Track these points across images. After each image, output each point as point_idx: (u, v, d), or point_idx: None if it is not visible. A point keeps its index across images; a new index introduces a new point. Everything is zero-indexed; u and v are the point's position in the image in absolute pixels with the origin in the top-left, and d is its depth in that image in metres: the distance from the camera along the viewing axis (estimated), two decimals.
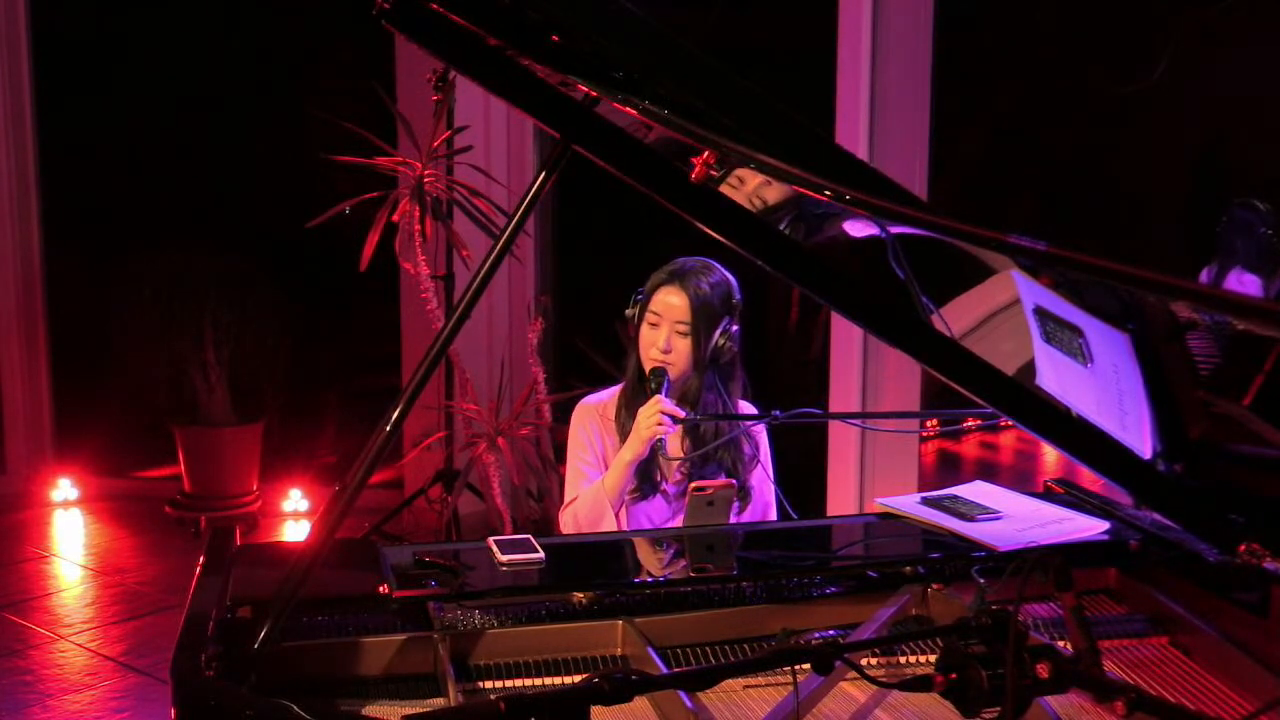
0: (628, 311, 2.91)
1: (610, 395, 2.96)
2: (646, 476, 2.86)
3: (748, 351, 2.96)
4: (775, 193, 1.97)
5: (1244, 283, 4.31)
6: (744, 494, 2.85)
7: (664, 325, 2.81)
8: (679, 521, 2.87)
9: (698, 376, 2.85)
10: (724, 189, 1.94)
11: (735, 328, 2.85)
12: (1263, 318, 1.49)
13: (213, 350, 5.65)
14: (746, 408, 2.95)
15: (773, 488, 2.91)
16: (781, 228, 2.01)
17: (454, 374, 4.95)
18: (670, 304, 2.81)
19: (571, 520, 2.86)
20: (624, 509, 2.85)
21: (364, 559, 2.19)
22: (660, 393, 2.77)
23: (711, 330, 2.82)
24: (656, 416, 2.74)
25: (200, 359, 5.65)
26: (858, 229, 2.04)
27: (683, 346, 2.81)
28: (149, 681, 4.12)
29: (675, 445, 2.87)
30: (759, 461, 2.91)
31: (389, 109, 4.92)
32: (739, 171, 1.92)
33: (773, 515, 2.92)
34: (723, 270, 2.88)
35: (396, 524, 5.22)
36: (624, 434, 2.87)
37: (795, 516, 2.77)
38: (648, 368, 2.85)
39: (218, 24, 5.75)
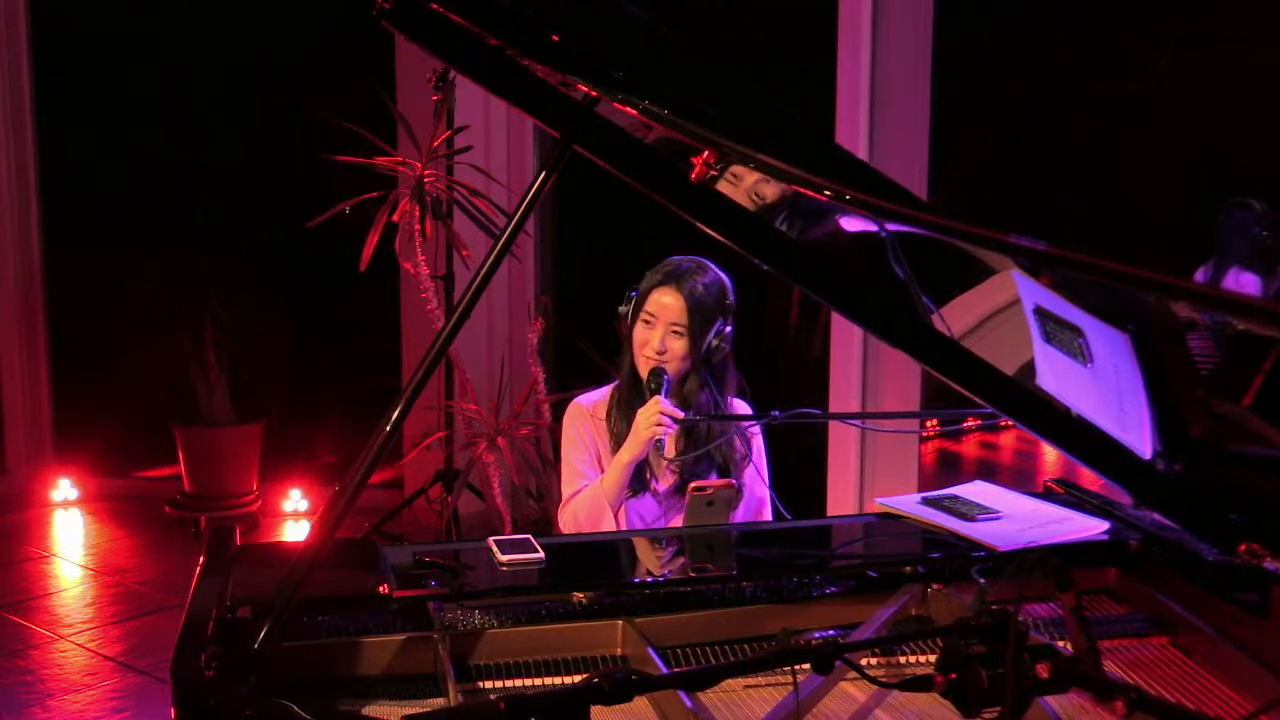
0: (621, 309, 2.91)
1: (602, 395, 2.96)
2: (637, 475, 2.86)
3: (748, 351, 2.97)
4: (773, 189, 1.96)
5: (1242, 282, 4.32)
6: (738, 490, 2.85)
7: (658, 325, 2.82)
8: (672, 521, 2.87)
9: (694, 377, 2.86)
10: (722, 185, 1.94)
11: (729, 329, 2.85)
12: (1263, 318, 1.49)
13: (213, 350, 5.65)
14: (743, 407, 2.96)
15: (767, 482, 2.91)
16: (778, 223, 2.01)
17: (454, 374, 4.95)
18: (665, 304, 2.81)
19: (571, 519, 2.86)
20: (622, 509, 2.86)
21: (364, 559, 2.19)
22: (660, 393, 2.77)
23: (706, 331, 2.82)
24: (656, 417, 2.75)
25: (200, 359, 5.65)
26: (854, 224, 2.04)
27: (677, 347, 2.82)
28: (149, 681, 4.12)
29: (672, 446, 2.87)
30: (750, 460, 2.91)
31: (389, 109, 4.92)
32: (735, 168, 1.92)
33: (767, 513, 2.92)
34: (717, 270, 2.88)
35: (396, 524, 5.22)
36: (616, 435, 2.89)
37: (789, 517, 2.77)
38: (641, 367, 2.85)
39: (217, 24, 5.75)
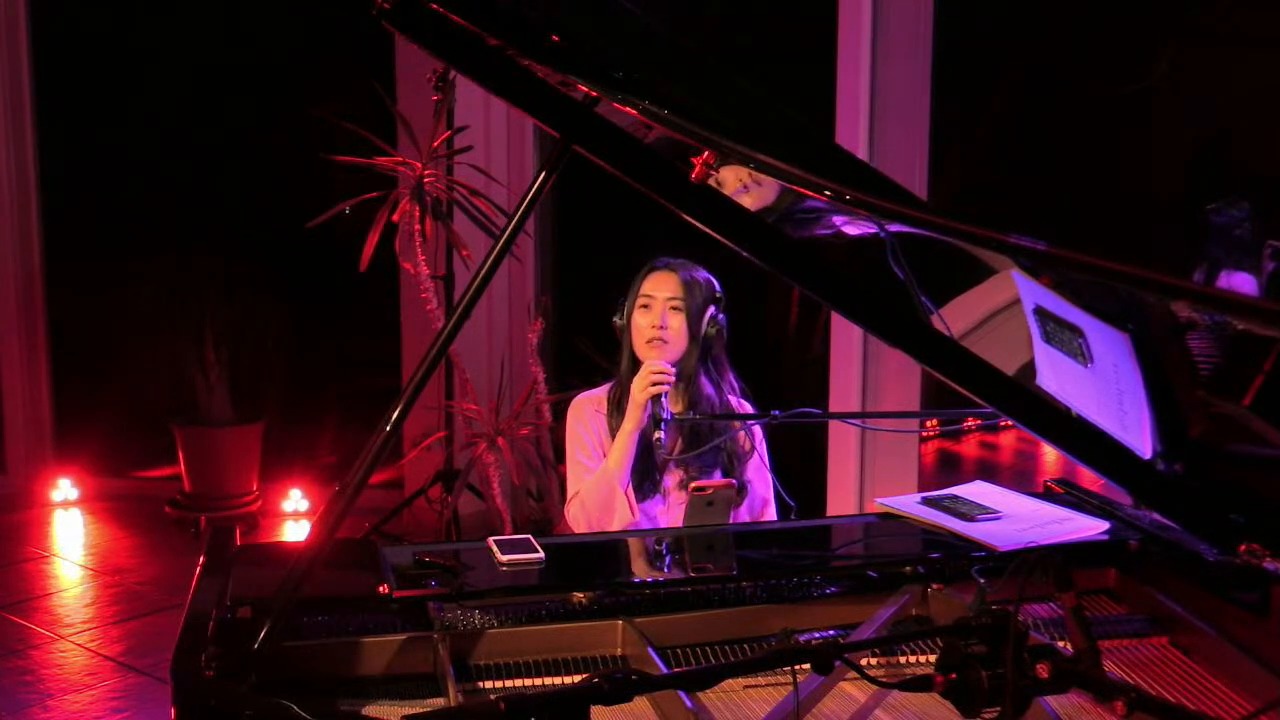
0: (616, 320, 2.94)
1: (601, 392, 2.99)
2: (647, 474, 2.86)
3: (749, 351, 2.97)
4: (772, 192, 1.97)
5: (1234, 282, 4.30)
6: (740, 489, 2.86)
7: (656, 305, 2.87)
8: (677, 521, 2.87)
9: (693, 353, 2.88)
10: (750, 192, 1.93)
11: (722, 317, 2.90)
12: (1263, 318, 1.49)
13: (213, 350, 5.65)
14: (745, 407, 2.96)
15: (770, 480, 2.93)
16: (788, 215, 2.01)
17: (454, 374, 4.95)
18: (661, 283, 2.88)
19: (579, 510, 2.85)
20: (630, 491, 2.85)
21: (364, 559, 2.20)
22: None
23: (702, 310, 2.86)
24: (649, 377, 2.77)
25: (200, 359, 5.65)
26: (855, 227, 2.04)
27: (677, 323, 2.86)
28: (149, 681, 4.12)
29: (673, 402, 2.87)
30: (755, 454, 2.92)
31: (389, 109, 4.92)
32: None
33: (771, 510, 2.93)
34: (701, 268, 2.94)
35: (396, 524, 5.22)
36: (615, 432, 2.89)
37: (793, 505, 2.77)
38: (640, 353, 2.86)
39: (218, 24, 5.75)
